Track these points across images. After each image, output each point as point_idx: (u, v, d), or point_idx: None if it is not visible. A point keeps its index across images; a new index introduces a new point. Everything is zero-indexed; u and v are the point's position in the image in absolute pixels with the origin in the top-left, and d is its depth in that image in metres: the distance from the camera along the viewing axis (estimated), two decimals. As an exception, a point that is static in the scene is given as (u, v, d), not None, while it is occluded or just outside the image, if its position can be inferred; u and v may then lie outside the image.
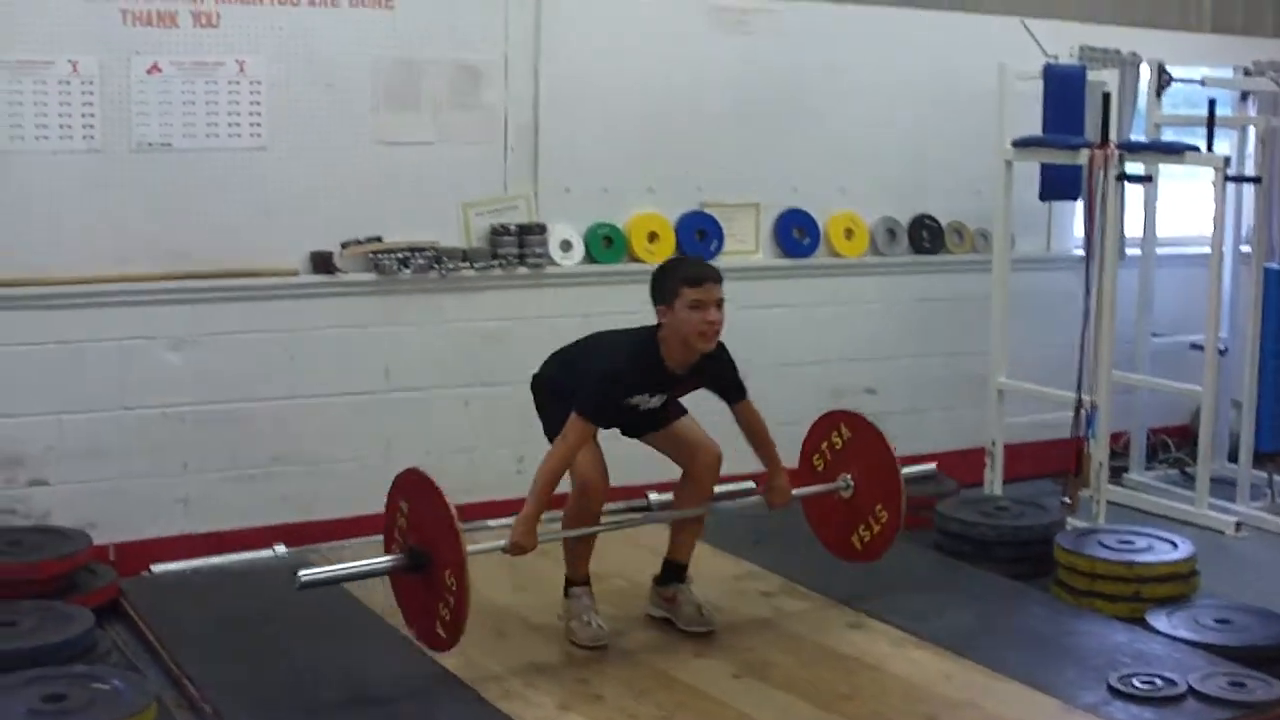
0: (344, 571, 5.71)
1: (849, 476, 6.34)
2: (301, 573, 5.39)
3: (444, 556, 5.29)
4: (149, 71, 6.71)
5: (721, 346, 5.78)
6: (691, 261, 5.88)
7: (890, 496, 6.23)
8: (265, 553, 6.87)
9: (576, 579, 5.95)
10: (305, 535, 7.03)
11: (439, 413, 7.41)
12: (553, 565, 6.04)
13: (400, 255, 7.17)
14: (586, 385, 5.65)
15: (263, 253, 6.97)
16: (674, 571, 6.15)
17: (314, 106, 7.01)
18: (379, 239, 7.16)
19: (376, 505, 7.07)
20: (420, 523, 5.42)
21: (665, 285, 5.64)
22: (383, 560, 5.60)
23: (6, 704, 4.89)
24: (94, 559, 6.45)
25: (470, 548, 5.25)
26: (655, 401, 5.80)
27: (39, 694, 4.94)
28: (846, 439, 6.38)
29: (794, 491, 6.29)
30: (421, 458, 7.15)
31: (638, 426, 5.95)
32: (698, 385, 5.90)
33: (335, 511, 7.15)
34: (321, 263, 7.10)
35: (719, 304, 5.63)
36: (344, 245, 7.13)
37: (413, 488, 5.49)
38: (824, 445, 6.46)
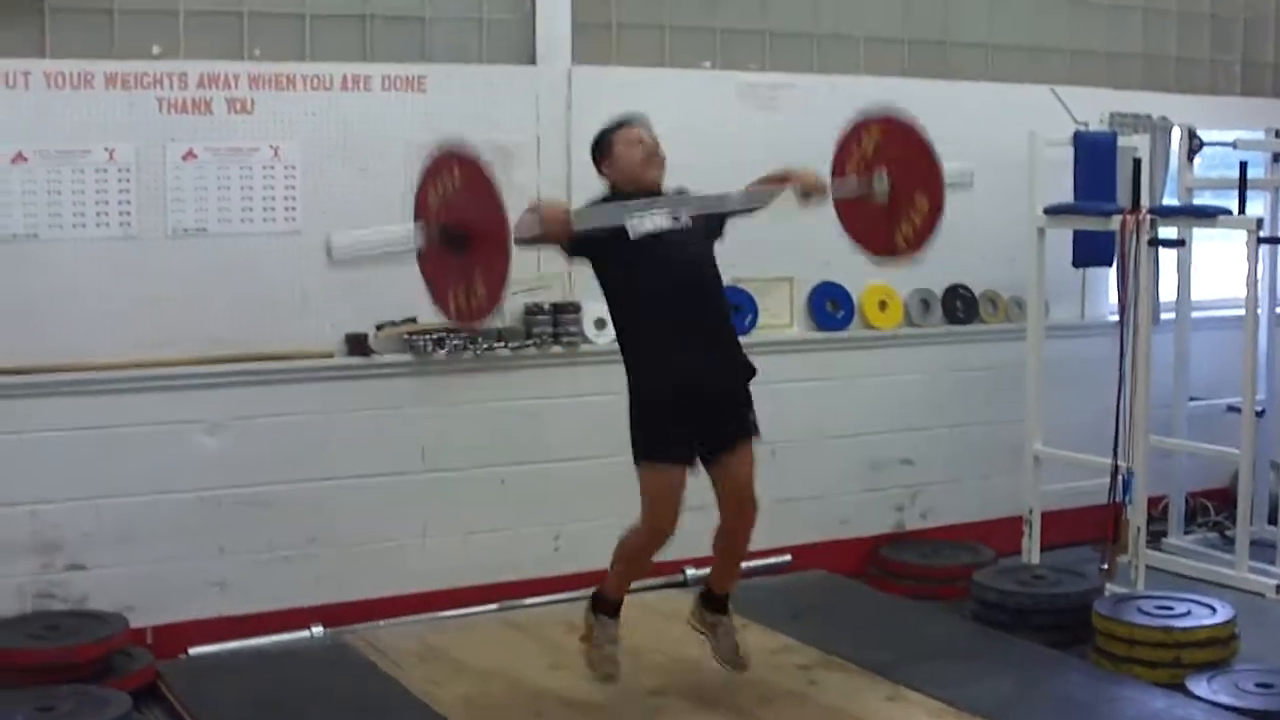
0: (376, 243, 6.06)
1: (885, 174, 6.14)
2: (334, 243, 5.40)
3: (484, 231, 5.28)
4: (184, 158, 6.79)
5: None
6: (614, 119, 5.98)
7: (929, 180, 6.09)
8: (302, 634, 6.90)
9: (610, 599, 5.94)
10: (342, 616, 7.04)
11: (475, 492, 7.41)
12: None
13: (435, 336, 7.19)
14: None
15: (298, 336, 7.02)
16: (718, 601, 6.15)
17: (348, 189, 7.06)
18: (414, 320, 7.19)
19: (414, 585, 7.20)
20: (458, 200, 5.41)
21: (599, 144, 5.96)
22: (419, 235, 5.64)
23: (43, 789, 4.93)
24: (131, 642, 6.49)
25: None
26: (663, 219, 5.75)
27: (76, 779, 4.99)
28: (878, 141, 6.20)
29: (830, 186, 6.19)
30: (458, 537, 7.26)
31: (685, 282, 5.78)
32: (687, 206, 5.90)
33: (372, 591, 7.16)
34: (356, 345, 7.14)
35: (652, 143, 5.90)
36: (379, 327, 7.17)
37: (462, 165, 5.43)
38: (856, 151, 6.28)
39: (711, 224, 5.99)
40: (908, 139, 6.13)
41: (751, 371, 5.95)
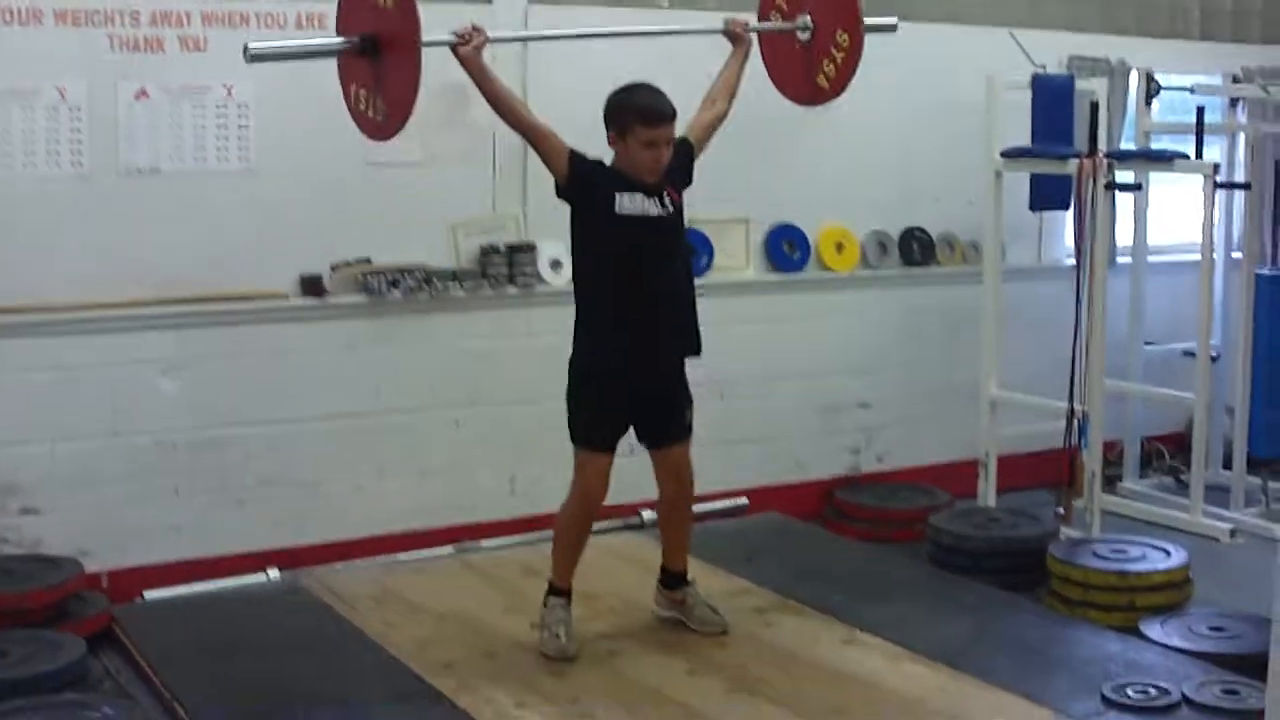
0: (294, 47, 5.98)
1: (808, 17, 6.30)
2: (250, 44, 5.45)
3: (394, 40, 5.38)
4: (136, 97, 6.72)
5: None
6: (650, 92, 5.77)
7: (850, 19, 6.17)
8: (258, 577, 6.88)
9: (559, 587, 5.96)
10: (298, 559, 7.02)
11: (430, 433, 7.40)
12: (546, 587, 6.04)
13: (390, 277, 7.16)
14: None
15: (252, 276, 6.97)
16: (676, 577, 6.20)
17: (302, 129, 7.00)
18: (368, 261, 7.16)
19: (369, 528, 7.20)
20: (379, 10, 5.45)
21: (620, 115, 5.73)
22: (335, 40, 5.71)
23: (-2, 733, 4.92)
24: (86, 587, 6.46)
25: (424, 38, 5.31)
26: (652, 206, 5.74)
27: (30, 723, 4.97)
28: None
29: (753, 25, 6.34)
30: (413, 478, 7.25)
31: (656, 259, 5.82)
32: (676, 182, 5.88)
33: (328, 535, 7.15)
34: (311, 285, 7.09)
35: (669, 142, 5.74)
36: (333, 268, 7.13)
37: None
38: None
39: (684, 176, 5.96)
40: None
41: (697, 350, 5.98)
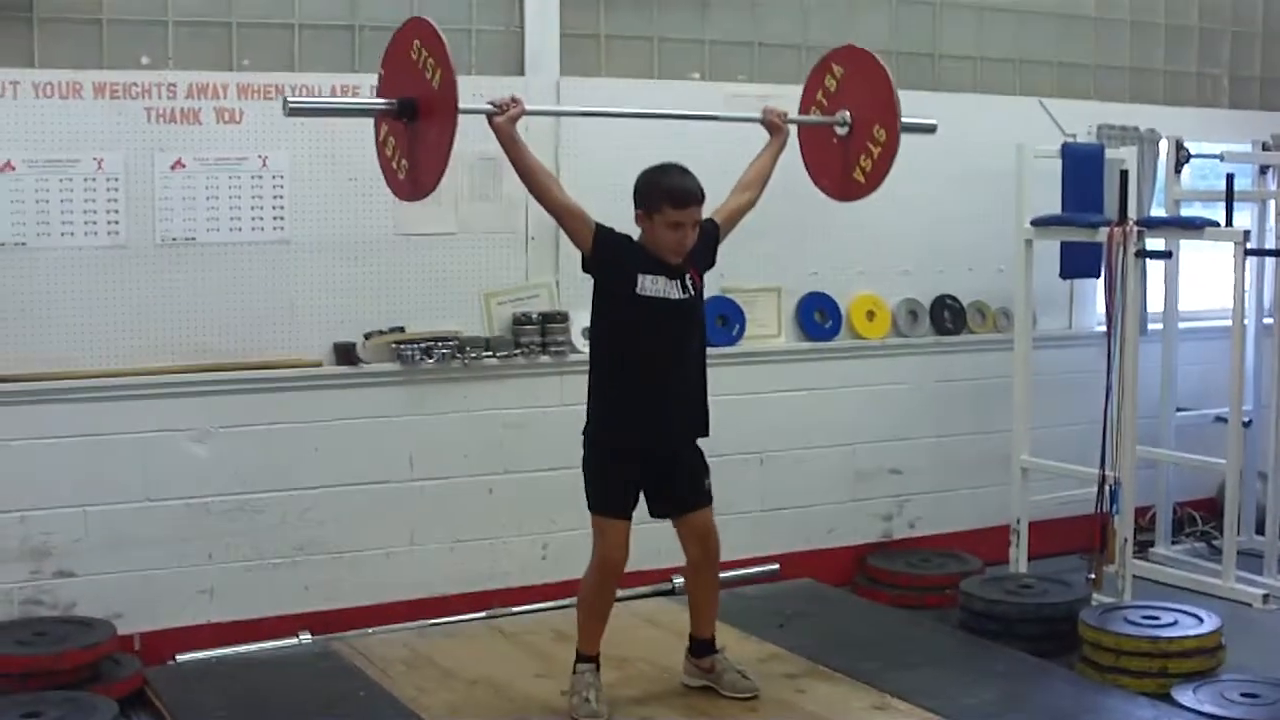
0: (333, 104, 6.17)
1: (847, 114, 6.34)
2: (290, 99, 5.60)
3: (432, 106, 5.44)
4: (173, 168, 6.80)
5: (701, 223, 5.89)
6: (679, 174, 5.80)
7: (888, 115, 6.19)
8: (290, 641, 6.91)
9: (587, 654, 5.95)
10: (330, 623, 7.06)
11: (463, 501, 7.43)
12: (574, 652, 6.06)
13: (423, 345, 7.21)
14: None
15: (286, 345, 7.03)
16: (704, 645, 6.18)
17: (336, 200, 7.08)
18: (402, 329, 7.20)
19: (401, 593, 7.21)
20: (419, 76, 5.52)
21: (649, 194, 5.76)
22: (375, 102, 5.80)
23: (30, 795, 4.95)
24: (119, 649, 6.49)
25: (461, 105, 5.36)
26: (674, 289, 5.77)
27: (63, 784, 5.00)
28: (841, 78, 6.36)
29: (792, 117, 6.38)
30: (446, 545, 7.28)
31: (673, 341, 5.86)
32: (699, 264, 5.92)
33: (360, 599, 7.19)
34: (345, 354, 7.15)
35: (696, 224, 5.76)
36: (367, 336, 7.18)
37: (424, 40, 5.53)
38: (820, 94, 6.46)
39: (708, 257, 6.01)
40: (870, 72, 6.28)
41: (706, 431, 6.00)
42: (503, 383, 7.46)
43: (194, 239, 6.86)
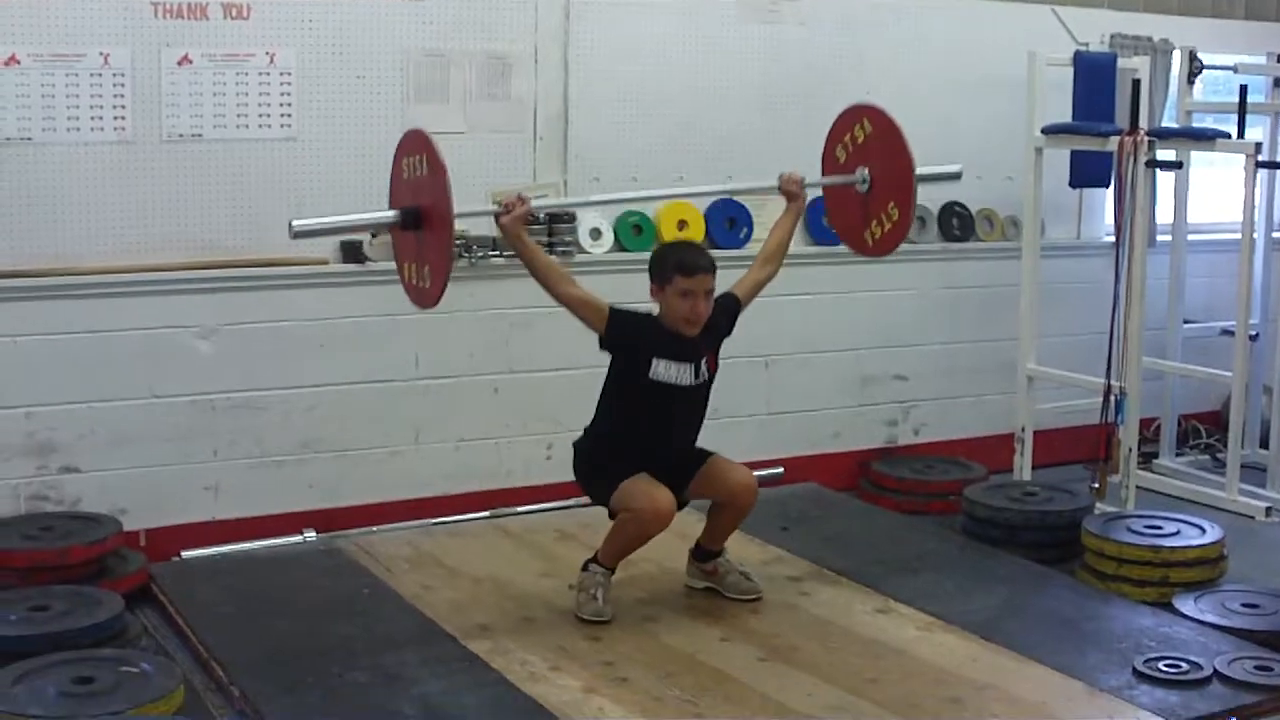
0: (339, 223, 6.01)
1: (866, 171, 6.37)
2: (295, 222, 5.62)
3: (434, 217, 5.44)
4: (179, 63, 6.75)
5: (720, 300, 5.96)
6: (689, 249, 6.00)
7: (903, 195, 6.26)
8: (294, 538, 6.95)
9: (603, 563, 5.98)
10: (334, 521, 7.08)
11: (468, 400, 7.43)
12: (583, 551, 6.10)
13: (429, 244, 7.20)
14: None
15: (293, 242, 6.98)
16: (711, 551, 6.22)
17: (344, 98, 7.03)
18: (409, 228, 7.18)
19: (405, 491, 7.23)
20: (419, 184, 5.53)
21: (661, 268, 5.84)
22: (379, 215, 5.77)
23: (37, 686, 4.96)
24: (124, 545, 6.51)
25: (458, 209, 5.39)
26: (686, 375, 5.83)
27: (69, 676, 5.02)
28: (869, 134, 6.37)
29: (812, 181, 6.43)
30: (451, 445, 7.30)
31: (679, 418, 5.95)
32: (714, 342, 5.98)
33: (364, 497, 7.20)
34: (351, 252, 7.13)
35: (708, 294, 5.80)
36: (374, 235, 7.16)
37: (416, 149, 5.57)
38: (847, 138, 6.47)
39: (726, 330, 6.07)
40: (894, 146, 6.26)
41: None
42: (509, 282, 7.40)
43: (201, 135, 6.82)
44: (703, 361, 5.89)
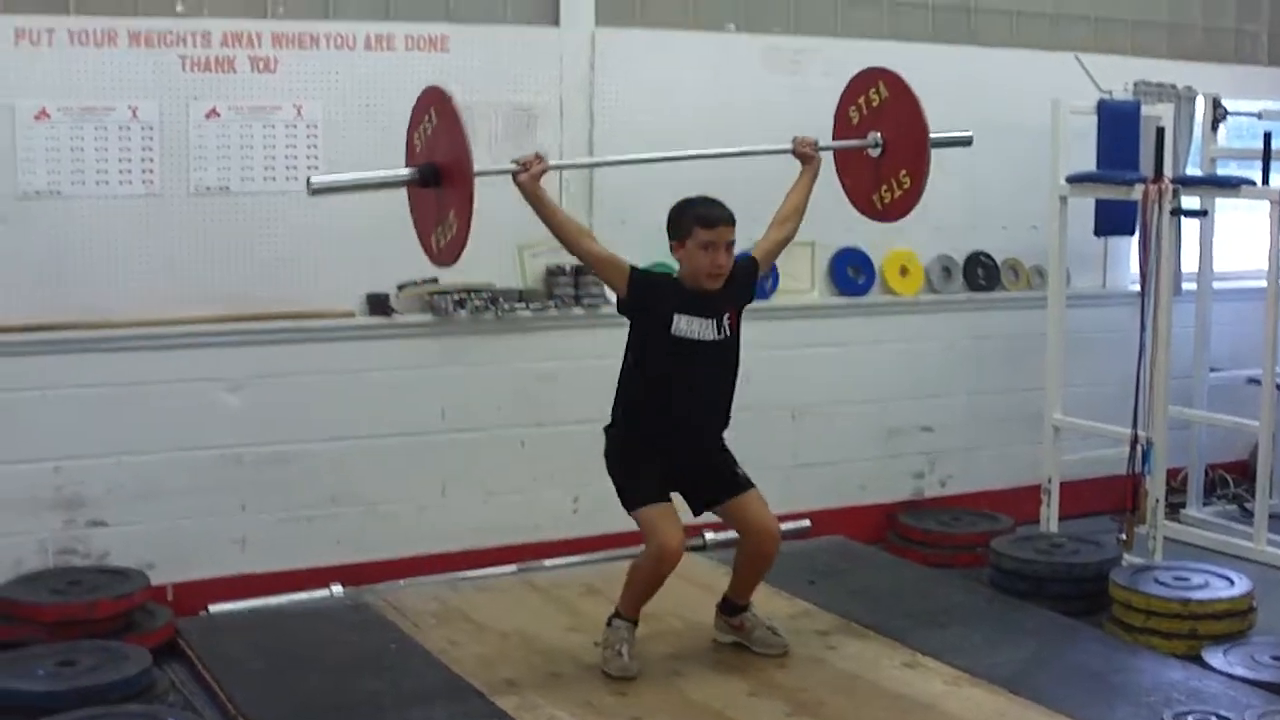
0: (357, 179, 5.88)
1: (879, 135, 6.34)
2: (313, 178, 5.53)
3: (453, 175, 5.42)
4: (207, 116, 6.80)
5: (740, 260, 5.97)
6: (707, 202, 5.92)
7: (916, 164, 6.22)
8: (322, 593, 6.95)
9: (625, 615, 5.98)
10: (362, 575, 7.08)
11: (495, 453, 7.44)
12: (610, 606, 6.08)
13: (456, 297, 7.21)
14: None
15: (319, 295, 7.04)
16: (737, 606, 6.22)
17: (370, 149, 7.03)
18: (435, 281, 7.19)
19: (432, 545, 7.24)
20: (437, 142, 5.51)
21: (680, 222, 5.86)
22: (398, 172, 5.73)
23: (65, 743, 4.98)
24: (151, 599, 6.53)
25: (478, 168, 5.35)
26: (709, 330, 5.83)
27: (96, 733, 5.03)
28: (884, 98, 6.34)
29: (824, 144, 6.37)
30: (478, 497, 7.29)
31: (703, 378, 5.91)
32: (735, 300, 5.96)
33: (391, 551, 7.21)
34: (378, 305, 7.15)
35: (729, 246, 5.82)
36: (400, 287, 7.18)
37: (437, 106, 5.54)
38: (861, 100, 6.44)
39: (746, 293, 6.07)
40: (910, 113, 6.24)
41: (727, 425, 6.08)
42: (535, 335, 7.46)
43: (228, 188, 6.86)
44: (724, 317, 5.88)
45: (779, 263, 7.81)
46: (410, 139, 5.73)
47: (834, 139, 6.48)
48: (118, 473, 6.71)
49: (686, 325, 5.78)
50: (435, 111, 5.49)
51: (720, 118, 7.73)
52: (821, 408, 8.17)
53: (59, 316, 6.58)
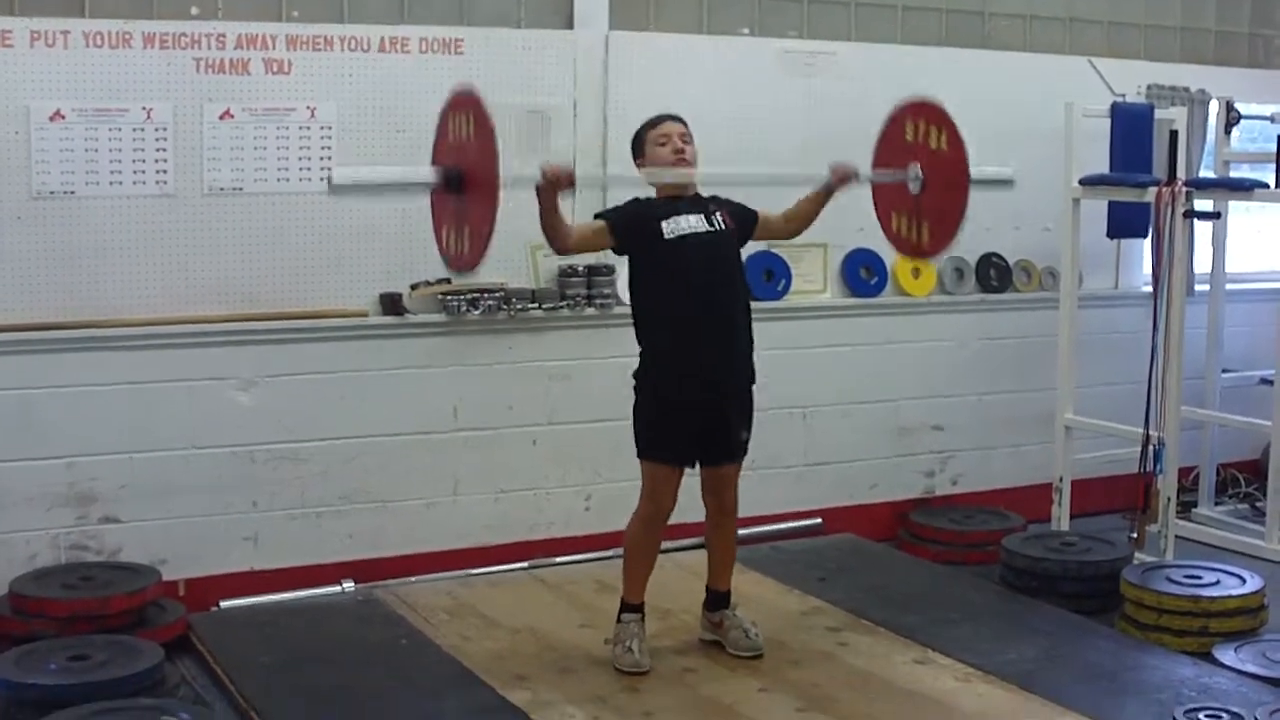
0: (379, 178, 5.97)
1: (919, 168, 6.19)
2: (335, 170, 5.72)
3: (478, 181, 5.41)
4: (221, 117, 6.82)
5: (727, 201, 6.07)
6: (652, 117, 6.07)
7: (941, 226, 6.24)
8: (333, 589, 6.97)
9: (631, 603, 6.01)
10: (373, 572, 7.09)
11: (507, 452, 7.45)
12: (618, 603, 6.08)
13: (469, 297, 7.23)
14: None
15: (333, 295, 7.06)
16: (719, 598, 6.24)
17: (384, 150, 7.08)
18: (448, 280, 7.20)
19: (444, 542, 7.24)
20: (468, 150, 5.50)
21: (635, 143, 6.09)
22: (422, 174, 5.81)
23: (77, 736, 5.00)
24: (164, 595, 6.55)
25: (503, 174, 5.33)
26: (699, 223, 5.89)
27: (109, 726, 5.05)
28: (943, 149, 6.18)
29: (865, 173, 6.29)
30: (489, 495, 7.30)
31: (712, 280, 5.89)
32: (728, 209, 6.04)
33: (403, 548, 7.22)
34: (391, 304, 7.17)
35: (683, 135, 5.93)
36: (413, 287, 7.20)
37: (475, 113, 5.50)
38: (922, 123, 6.26)
39: (743, 223, 6.11)
40: (954, 171, 6.14)
41: (753, 378, 6.07)
42: (548, 334, 7.47)
43: (241, 189, 6.88)
44: (714, 215, 5.94)
45: (791, 263, 7.90)
46: (444, 127, 5.74)
47: (873, 168, 6.38)
48: (130, 470, 6.72)
49: (674, 225, 5.85)
50: (473, 118, 5.47)
51: (735, 121, 7.74)
52: (834, 407, 8.17)
53: (73, 315, 6.60)
